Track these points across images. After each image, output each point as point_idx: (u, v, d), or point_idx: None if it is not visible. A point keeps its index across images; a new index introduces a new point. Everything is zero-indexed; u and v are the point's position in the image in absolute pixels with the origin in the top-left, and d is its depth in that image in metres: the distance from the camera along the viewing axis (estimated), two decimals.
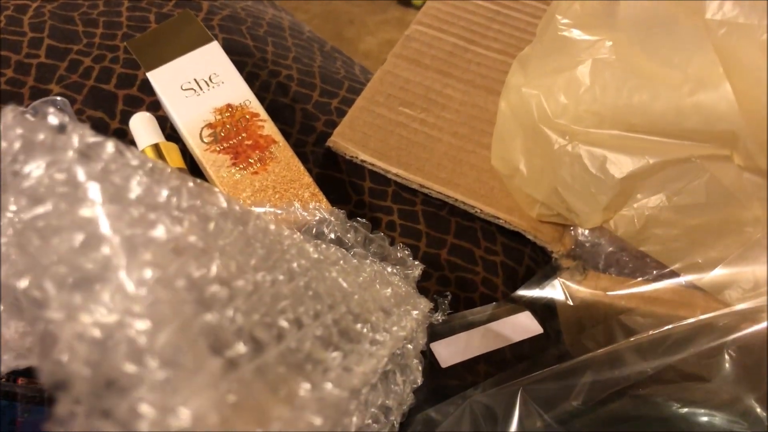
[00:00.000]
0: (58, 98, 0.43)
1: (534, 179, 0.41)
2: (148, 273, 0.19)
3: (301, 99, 0.49)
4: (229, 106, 0.43)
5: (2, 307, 0.24)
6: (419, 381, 0.30)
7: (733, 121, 0.32)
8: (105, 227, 0.19)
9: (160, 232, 0.21)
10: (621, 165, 0.36)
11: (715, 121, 0.32)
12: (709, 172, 0.34)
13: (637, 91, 0.34)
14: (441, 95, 0.49)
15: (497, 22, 0.52)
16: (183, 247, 0.21)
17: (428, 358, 0.39)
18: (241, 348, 0.20)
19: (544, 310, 0.42)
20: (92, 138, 0.22)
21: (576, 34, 0.37)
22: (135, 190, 0.21)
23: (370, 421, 0.27)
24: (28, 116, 0.22)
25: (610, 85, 0.35)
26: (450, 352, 0.39)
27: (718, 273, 0.37)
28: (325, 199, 0.41)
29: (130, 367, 0.17)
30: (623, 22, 0.35)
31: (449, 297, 0.43)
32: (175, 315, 0.19)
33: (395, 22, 1.31)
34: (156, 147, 0.41)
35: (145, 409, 0.17)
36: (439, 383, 0.38)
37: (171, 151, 0.42)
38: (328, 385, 0.23)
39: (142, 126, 0.44)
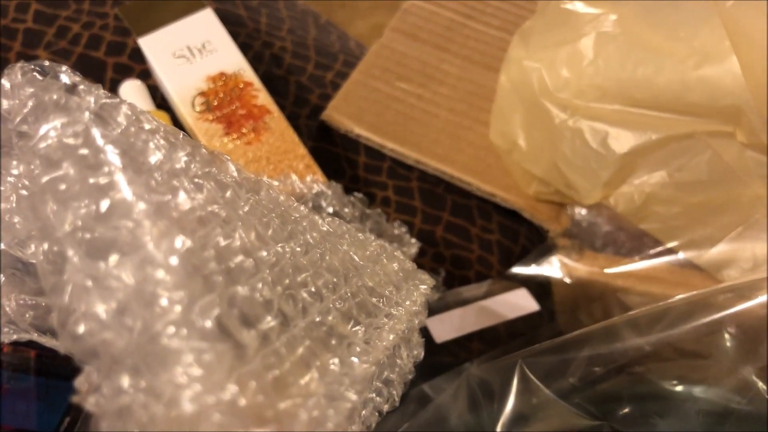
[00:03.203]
0: (46, 63, 0.42)
1: (533, 154, 0.40)
2: (177, 242, 0.18)
3: (295, 71, 0.48)
4: (222, 74, 0.42)
5: (2, 278, 0.23)
6: (422, 355, 0.30)
7: (739, 95, 0.31)
8: (128, 193, 0.18)
9: (183, 199, 0.20)
10: (623, 140, 0.35)
11: (719, 95, 0.32)
12: (711, 148, 0.34)
13: (641, 64, 0.34)
14: (438, 70, 0.48)
15: None
16: (207, 215, 0.20)
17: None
18: (270, 321, 0.20)
19: (538, 288, 0.42)
20: (107, 99, 0.21)
21: (579, 7, 0.36)
22: (154, 154, 0.20)
23: (373, 394, 0.26)
24: (36, 74, 0.21)
25: (613, 59, 0.35)
26: (444, 328, 0.39)
27: (718, 251, 0.36)
28: (320, 171, 0.41)
29: (167, 340, 0.16)
30: None
31: (443, 274, 0.43)
32: (207, 286, 0.18)
33: (386, 7, 1.30)
34: None
35: (187, 383, 0.16)
36: (433, 359, 0.37)
37: (162, 120, 0.41)
38: (355, 360, 0.22)
39: (132, 94, 0.43)
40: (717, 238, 0.36)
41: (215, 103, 0.41)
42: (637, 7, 0.34)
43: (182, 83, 0.41)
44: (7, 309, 0.23)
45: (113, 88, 0.44)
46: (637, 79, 0.34)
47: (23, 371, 0.30)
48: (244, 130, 0.41)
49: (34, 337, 0.24)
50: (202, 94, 0.41)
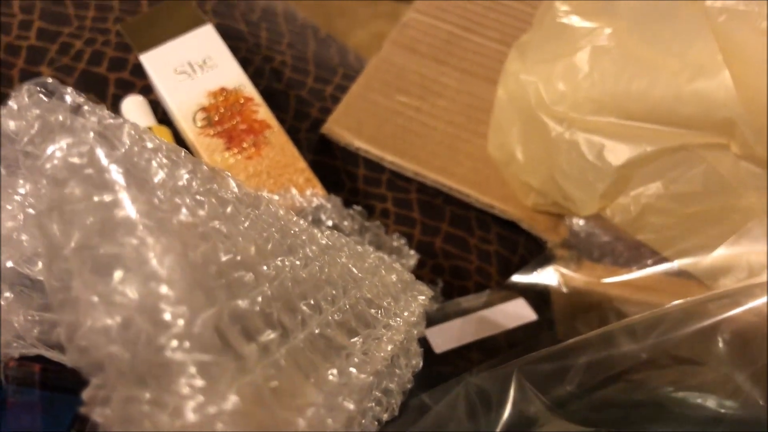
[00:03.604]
0: (49, 80, 0.43)
1: (530, 166, 0.41)
2: (180, 258, 0.18)
3: (295, 85, 0.49)
4: (223, 89, 0.42)
5: (11, 295, 0.24)
6: (420, 365, 0.30)
7: (732, 108, 0.32)
8: (132, 211, 0.19)
9: (185, 215, 0.20)
10: (618, 153, 0.36)
11: (713, 108, 0.32)
12: (706, 160, 0.34)
13: (635, 78, 0.34)
14: (437, 83, 0.48)
15: (495, 11, 0.52)
16: (208, 230, 0.21)
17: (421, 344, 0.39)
18: (270, 333, 0.20)
19: (537, 297, 0.42)
20: (111, 120, 0.21)
21: (575, 20, 0.37)
22: (157, 173, 0.21)
23: (372, 404, 0.27)
24: (42, 96, 0.22)
25: (608, 72, 0.35)
26: (444, 338, 0.39)
27: (713, 261, 0.37)
28: (319, 185, 0.41)
29: (171, 353, 0.17)
30: (623, 10, 0.35)
31: (440, 285, 0.43)
32: (209, 301, 0.18)
33: (386, 16, 1.30)
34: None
35: (191, 394, 0.16)
36: (432, 369, 0.38)
37: (163, 134, 0.42)
38: (353, 371, 0.23)
39: (134, 109, 0.43)
40: (712, 249, 0.37)
41: (216, 119, 0.41)
42: (631, 22, 0.35)
43: (183, 99, 0.42)
44: (16, 324, 0.23)
45: (115, 104, 0.45)
46: (632, 92, 0.34)
47: (28, 385, 0.30)
48: (244, 145, 0.41)
49: (42, 351, 0.24)
50: (204, 109, 0.42)
